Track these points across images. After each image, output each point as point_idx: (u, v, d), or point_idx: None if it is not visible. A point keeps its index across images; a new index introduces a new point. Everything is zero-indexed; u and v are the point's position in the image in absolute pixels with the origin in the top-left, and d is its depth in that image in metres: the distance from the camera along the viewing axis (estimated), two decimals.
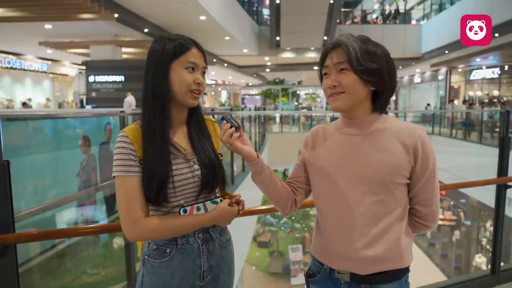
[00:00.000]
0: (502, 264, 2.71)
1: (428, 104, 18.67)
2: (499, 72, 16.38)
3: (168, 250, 1.11)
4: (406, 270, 1.11)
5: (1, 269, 1.47)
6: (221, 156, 1.21)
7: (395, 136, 1.06)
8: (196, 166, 1.12)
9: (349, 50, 1.02)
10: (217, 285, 1.18)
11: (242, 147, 1.07)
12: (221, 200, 1.15)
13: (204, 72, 1.14)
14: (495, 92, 16.62)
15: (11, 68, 15.05)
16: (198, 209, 1.12)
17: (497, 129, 10.73)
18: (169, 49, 1.07)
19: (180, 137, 1.14)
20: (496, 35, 10.64)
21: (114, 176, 1.06)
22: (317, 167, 1.14)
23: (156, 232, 1.06)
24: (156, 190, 1.05)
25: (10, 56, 14.76)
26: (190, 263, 1.12)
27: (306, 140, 1.22)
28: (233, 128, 1.05)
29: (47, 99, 16.49)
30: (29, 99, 15.34)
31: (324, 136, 1.17)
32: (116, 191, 1.06)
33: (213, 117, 1.30)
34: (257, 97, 30.97)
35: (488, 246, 9.57)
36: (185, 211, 1.09)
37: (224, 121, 1.06)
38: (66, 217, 3.70)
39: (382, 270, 1.06)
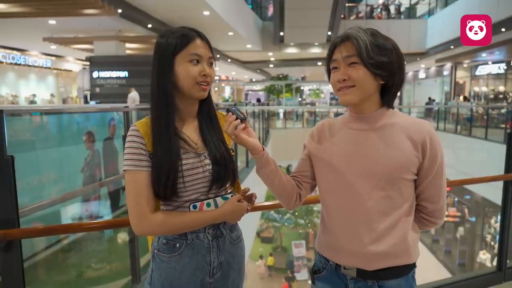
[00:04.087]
0: (508, 261, 2.69)
1: (429, 98, 18.36)
2: (505, 67, 16.19)
3: (177, 245, 1.10)
4: (413, 266, 1.11)
5: (6, 264, 1.48)
6: (233, 151, 1.19)
7: (403, 131, 1.05)
8: (207, 161, 1.11)
9: (359, 43, 1.01)
10: (227, 283, 1.17)
11: (248, 139, 1.06)
12: (231, 196, 1.14)
13: (211, 63, 1.11)
14: (501, 88, 16.46)
15: (16, 64, 15.12)
16: (209, 205, 1.10)
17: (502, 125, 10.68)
18: (172, 42, 1.06)
19: (190, 131, 1.13)
20: (503, 30, 10.51)
21: (124, 170, 1.06)
22: (324, 162, 1.13)
23: (164, 227, 1.06)
24: (165, 185, 1.04)
25: (15, 52, 14.81)
26: (199, 259, 1.11)
27: (312, 134, 1.20)
28: (239, 120, 1.03)
29: (51, 95, 16.55)
30: (34, 95, 15.43)
31: (330, 131, 1.16)
32: (125, 184, 1.06)
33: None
34: (260, 92, 30.89)
35: (492, 243, 9.54)
36: (194, 206, 1.08)
37: (230, 113, 1.05)
38: (70, 212, 3.71)
39: (389, 266, 1.05)
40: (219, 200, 1.12)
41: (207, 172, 1.10)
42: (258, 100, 22.54)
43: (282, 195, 1.17)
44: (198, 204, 1.09)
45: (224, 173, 1.12)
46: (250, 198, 1.18)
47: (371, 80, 1.03)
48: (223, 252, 1.15)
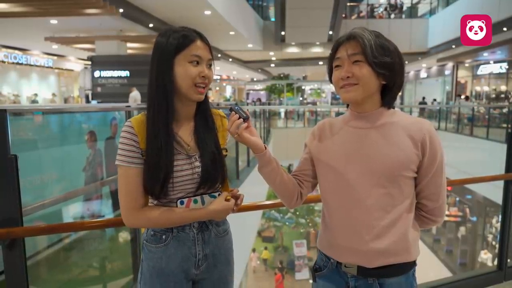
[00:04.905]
0: (508, 260, 2.69)
1: (423, 98, 18.23)
2: (507, 66, 16.15)
3: (164, 237, 1.14)
4: (413, 264, 1.12)
5: (10, 262, 1.49)
6: (226, 151, 1.21)
7: (403, 130, 1.07)
8: (197, 163, 1.12)
9: (364, 42, 1.03)
10: (213, 274, 1.20)
11: (250, 138, 1.07)
12: (219, 194, 1.16)
13: (210, 65, 1.12)
14: (503, 87, 16.42)
15: (17, 63, 15.15)
16: (196, 201, 1.13)
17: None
18: (173, 42, 1.07)
19: (185, 132, 1.14)
20: (504, 29, 10.48)
21: (116, 164, 1.09)
22: (325, 160, 1.14)
23: (151, 222, 1.11)
24: (155, 185, 1.07)
25: (16, 51, 14.84)
26: (185, 251, 1.14)
27: (312, 133, 1.22)
28: (241, 119, 1.05)
29: (53, 94, 16.57)
30: (35, 94, 15.45)
31: (331, 130, 1.17)
32: (118, 178, 1.10)
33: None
34: (262, 92, 30.87)
35: (493, 243, 9.52)
36: (182, 202, 1.11)
37: (233, 112, 1.06)
38: (72, 211, 3.72)
39: (390, 263, 1.06)
40: (206, 197, 1.15)
41: (196, 174, 1.12)
42: (259, 99, 22.54)
43: (284, 193, 1.18)
44: (185, 200, 1.12)
45: (214, 174, 1.14)
46: (237, 199, 1.19)
47: (374, 78, 1.05)
48: (208, 245, 1.18)
